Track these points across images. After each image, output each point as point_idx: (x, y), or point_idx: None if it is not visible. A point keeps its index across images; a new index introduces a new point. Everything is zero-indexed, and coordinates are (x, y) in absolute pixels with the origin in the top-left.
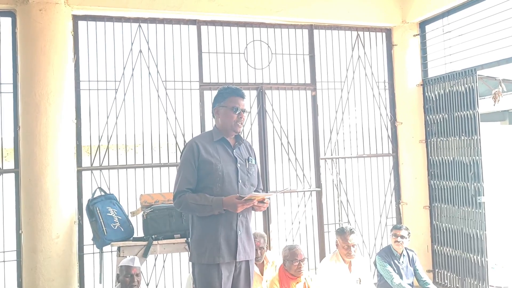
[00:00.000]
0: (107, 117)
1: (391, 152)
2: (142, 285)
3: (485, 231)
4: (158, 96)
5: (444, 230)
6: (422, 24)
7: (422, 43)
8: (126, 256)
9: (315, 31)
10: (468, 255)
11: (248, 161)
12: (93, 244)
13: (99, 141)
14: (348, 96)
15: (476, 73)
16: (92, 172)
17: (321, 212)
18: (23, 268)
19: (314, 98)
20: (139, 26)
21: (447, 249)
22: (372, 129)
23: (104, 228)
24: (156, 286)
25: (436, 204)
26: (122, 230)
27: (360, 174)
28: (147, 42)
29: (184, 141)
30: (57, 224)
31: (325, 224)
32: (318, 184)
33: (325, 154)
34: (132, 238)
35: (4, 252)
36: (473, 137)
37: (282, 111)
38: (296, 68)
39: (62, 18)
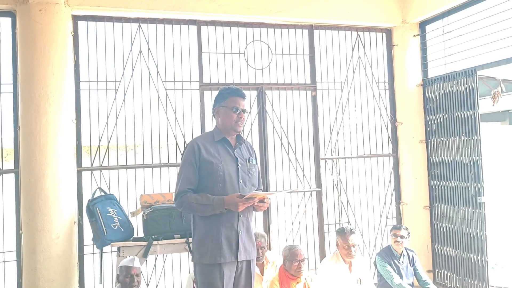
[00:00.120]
0: (107, 117)
1: (391, 152)
2: (142, 285)
3: (485, 231)
4: (158, 96)
5: (444, 230)
6: (422, 24)
7: (422, 43)
8: (126, 257)
9: (315, 31)
10: (468, 255)
11: (249, 161)
12: (93, 245)
13: (99, 141)
14: (348, 96)
15: (476, 73)
16: (92, 172)
17: (321, 212)
18: (23, 269)
19: (314, 98)
20: (139, 26)
21: (447, 249)
22: (372, 129)
23: (104, 228)
24: (156, 287)
25: (436, 204)
26: (122, 230)
27: (360, 174)
28: (147, 42)
29: (184, 141)
30: (57, 225)
31: (325, 224)
32: (318, 184)
33: (325, 154)
34: (132, 238)
35: (4, 252)
36: (473, 137)
37: (282, 111)
38: (296, 68)
39: (62, 19)
